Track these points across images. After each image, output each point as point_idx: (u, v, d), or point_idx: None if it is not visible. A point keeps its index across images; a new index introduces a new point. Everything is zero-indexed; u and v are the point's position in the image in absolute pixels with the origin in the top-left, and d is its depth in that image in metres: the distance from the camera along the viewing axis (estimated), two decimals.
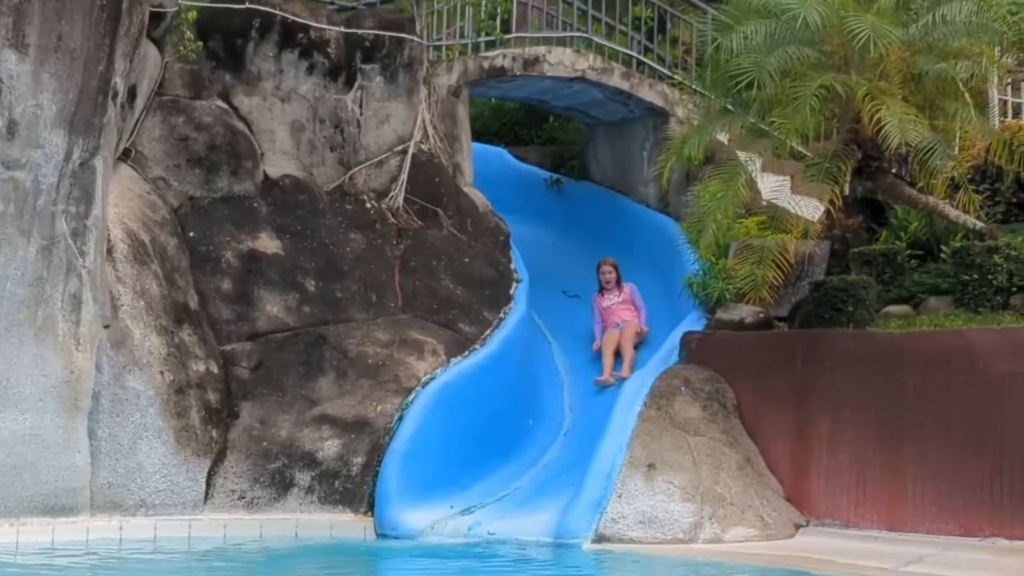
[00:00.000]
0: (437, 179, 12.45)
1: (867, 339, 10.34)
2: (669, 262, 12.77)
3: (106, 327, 10.08)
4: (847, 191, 10.91)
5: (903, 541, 9.52)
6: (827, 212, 10.94)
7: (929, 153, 10.28)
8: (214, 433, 10.45)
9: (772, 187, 11.96)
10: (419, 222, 12.18)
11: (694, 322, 11.69)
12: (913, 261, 11.33)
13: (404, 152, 12.26)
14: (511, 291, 12.30)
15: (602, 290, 12.65)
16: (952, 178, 10.69)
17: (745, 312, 11.34)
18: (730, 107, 11.31)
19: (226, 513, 10.27)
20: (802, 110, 10.09)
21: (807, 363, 10.48)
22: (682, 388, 10.67)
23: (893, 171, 11.13)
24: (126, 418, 10.03)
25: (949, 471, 9.63)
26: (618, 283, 12.61)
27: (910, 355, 10.00)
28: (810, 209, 10.97)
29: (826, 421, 10.27)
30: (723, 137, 12.37)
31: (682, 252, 12.49)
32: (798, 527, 10.10)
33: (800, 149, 11.09)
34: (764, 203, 11.96)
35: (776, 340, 11.03)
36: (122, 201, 10.72)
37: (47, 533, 9.44)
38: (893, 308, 10.85)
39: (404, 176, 12.17)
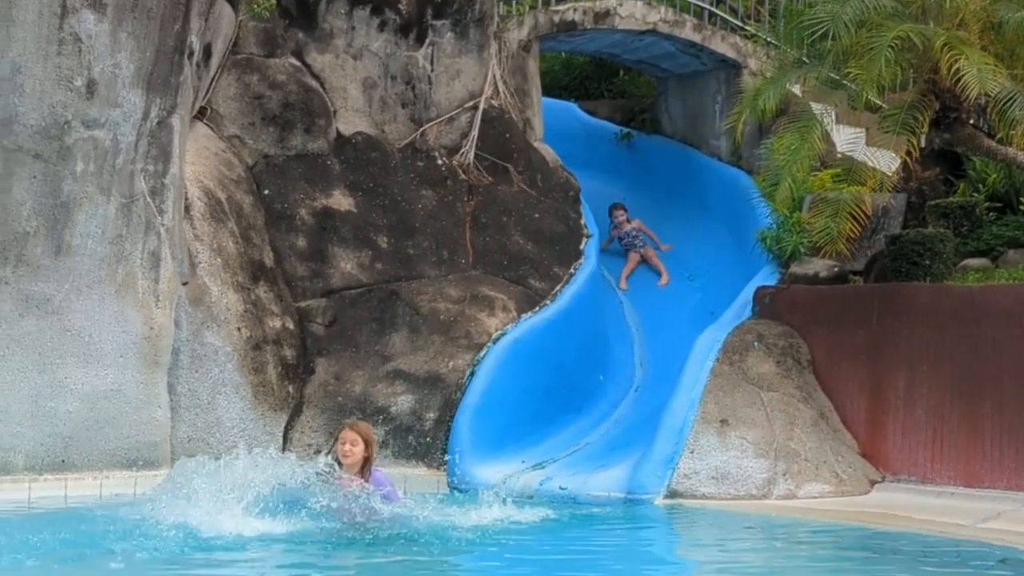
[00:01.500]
0: (507, 135, 12.43)
1: (944, 293, 10.20)
2: (742, 216, 12.67)
3: (184, 284, 10.23)
4: (924, 143, 10.73)
5: (980, 497, 9.44)
6: (903, 164, 10.79)
7: (1009, 103, 10.08)
8: (290, 388, 10.60)
9: (847, 139, 11.83)
10: (489, 178, 12.19)
11: (767, 276, 11.61)
12: (991, 213, 11.15)
13: (475, 108, 12.26)
14: (581, 246, 12.29)
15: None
16: None
17: (820, 266, 11.23)
18: (804, 58, 11.16)
19: None
20: (878, 61, 9.93)
21: (883, 317, 10.37)
22: (755, 343, 10.61)
23: (971, 122, 10.94)
24: (205, 374, 10.20)
25: None
26: (364, 467, 8.15)
27: (988, 309, 9.86)
28: (886, 161, 10.84)
29: (902, 376, 10.17)
30: (797, 89, 12.23)
31: (755, 205, 12.39)
32: (873, 483, 10.03)
33: (876, 100, 10.93)
34: (839, 155, 11.83)
35: (851, 294, 10.92)
36: (198, 159, 10.84)
37: (129, 486, 9.61)
38: (971, 261, 10.69)
39: (475, 132, 12.18)
